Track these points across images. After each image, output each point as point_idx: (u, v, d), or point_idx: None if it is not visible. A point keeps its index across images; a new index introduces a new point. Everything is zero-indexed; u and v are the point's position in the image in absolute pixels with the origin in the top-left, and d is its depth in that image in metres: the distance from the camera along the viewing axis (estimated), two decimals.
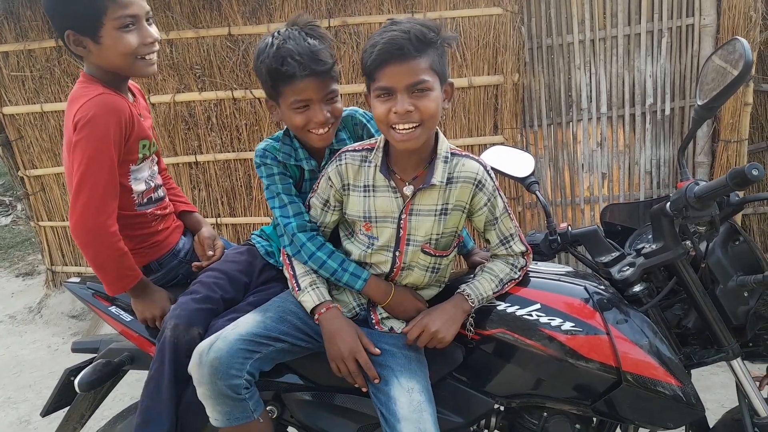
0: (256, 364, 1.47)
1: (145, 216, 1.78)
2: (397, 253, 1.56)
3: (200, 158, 3.97)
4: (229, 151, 3.94)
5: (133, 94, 1.82)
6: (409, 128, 1.40)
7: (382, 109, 1.41)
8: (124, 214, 1.69)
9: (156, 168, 1.87)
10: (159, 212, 1.83)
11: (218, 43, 3.74)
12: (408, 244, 1.55)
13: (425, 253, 1.56)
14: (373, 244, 1.57)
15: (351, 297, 1.64)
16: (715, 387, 3.00)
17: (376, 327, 1.61)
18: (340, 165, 1.57)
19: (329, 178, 1.58)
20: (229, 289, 1.69)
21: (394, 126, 1.41)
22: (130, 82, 1.80)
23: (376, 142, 1.56)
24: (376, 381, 1.48)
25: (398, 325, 1.61)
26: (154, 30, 1.69)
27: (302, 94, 1.54)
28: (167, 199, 1.91)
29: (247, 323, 1.51)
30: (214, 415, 1.47)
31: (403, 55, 1.36)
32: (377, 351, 1.51)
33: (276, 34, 1.55)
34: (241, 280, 1.73)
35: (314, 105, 1.55)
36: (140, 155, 1.72)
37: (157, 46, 1.70)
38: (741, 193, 1.48)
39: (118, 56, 1.63)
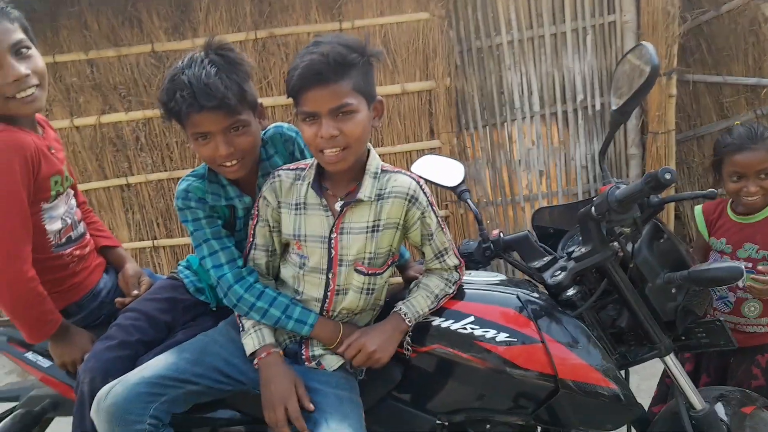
0: (163, 407, 1.41)
1: (62, 258, 1.66)
2: (331, 275, 1.52)
3: (131, 180, 3.81)
4: (161, 171, 3.80)
5: (42, 126, 1.69)
6: (335, 151, 1.39)
7: (310, 133, 1.40)
8: (39, 258, 1.57)
9: (73, 202, 1.75)
10: (78, 252, 1.72)
11: (142, 60, 3.60)
12: (341, 265, 1.51)
13: (358, 272, 1.52)
14: (305, 264, 1.52)
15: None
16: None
17: (305, 363, 1.56)
18: (274, 182, 1.53)
19: (265, 198, 1.54)
20: (148, 330, 1.60)
21: (322, 150, 1.39)
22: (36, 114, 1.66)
23: (310, 162, 1.53)
24: None
25: (331, 362, 1.55)
26: (26, 64, 1.51)
27: (199, 127, 1.46)
28: (87, 236, 1.80)
29: (156, 365, 1.45)
30: None
31: (322, 80, 1.33)
32: (311, 407, 1.44)
33: (181, 62, 1.47)
34: (162, 320, 1.64)
35: (214, 137, 1.46)
36: (53, 192, 1.61)
37: (31, 82, 1.52)
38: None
39: None
